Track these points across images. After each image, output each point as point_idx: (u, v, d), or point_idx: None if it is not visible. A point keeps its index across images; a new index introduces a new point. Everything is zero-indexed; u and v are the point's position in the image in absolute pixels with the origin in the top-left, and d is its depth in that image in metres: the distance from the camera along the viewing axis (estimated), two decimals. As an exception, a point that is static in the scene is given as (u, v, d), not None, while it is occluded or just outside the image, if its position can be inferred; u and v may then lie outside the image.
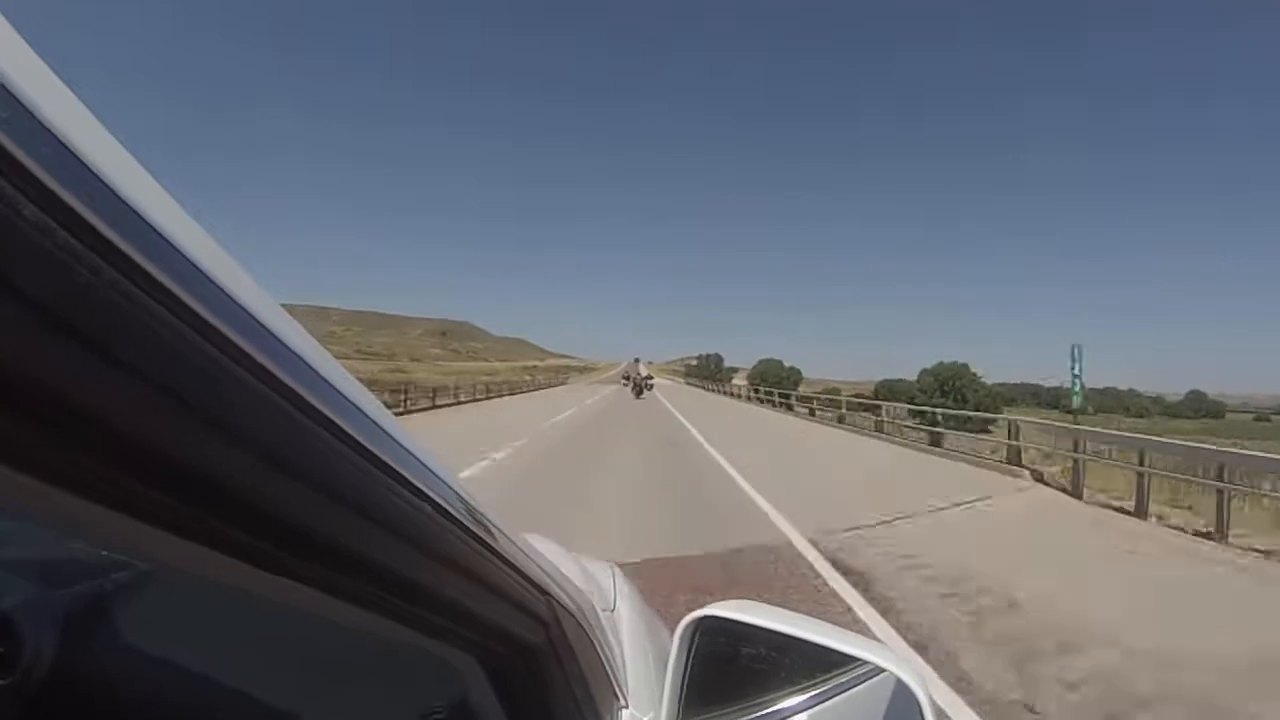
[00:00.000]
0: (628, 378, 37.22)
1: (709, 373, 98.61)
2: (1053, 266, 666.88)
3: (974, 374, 40.11)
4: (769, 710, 0.58)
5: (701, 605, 0.62)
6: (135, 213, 0.17)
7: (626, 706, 0.64)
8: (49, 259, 0.14)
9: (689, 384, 64.36)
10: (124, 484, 0.17)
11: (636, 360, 51.37)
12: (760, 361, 46.00)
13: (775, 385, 39.77)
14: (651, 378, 37.93)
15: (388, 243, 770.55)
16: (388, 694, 0.62)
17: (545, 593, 0.51)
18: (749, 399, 31.42)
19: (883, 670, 0.57)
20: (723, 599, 0.64)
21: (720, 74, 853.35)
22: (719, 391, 40.17)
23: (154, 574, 0.69)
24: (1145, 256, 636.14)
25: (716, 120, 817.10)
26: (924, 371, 41.07)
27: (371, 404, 0.29)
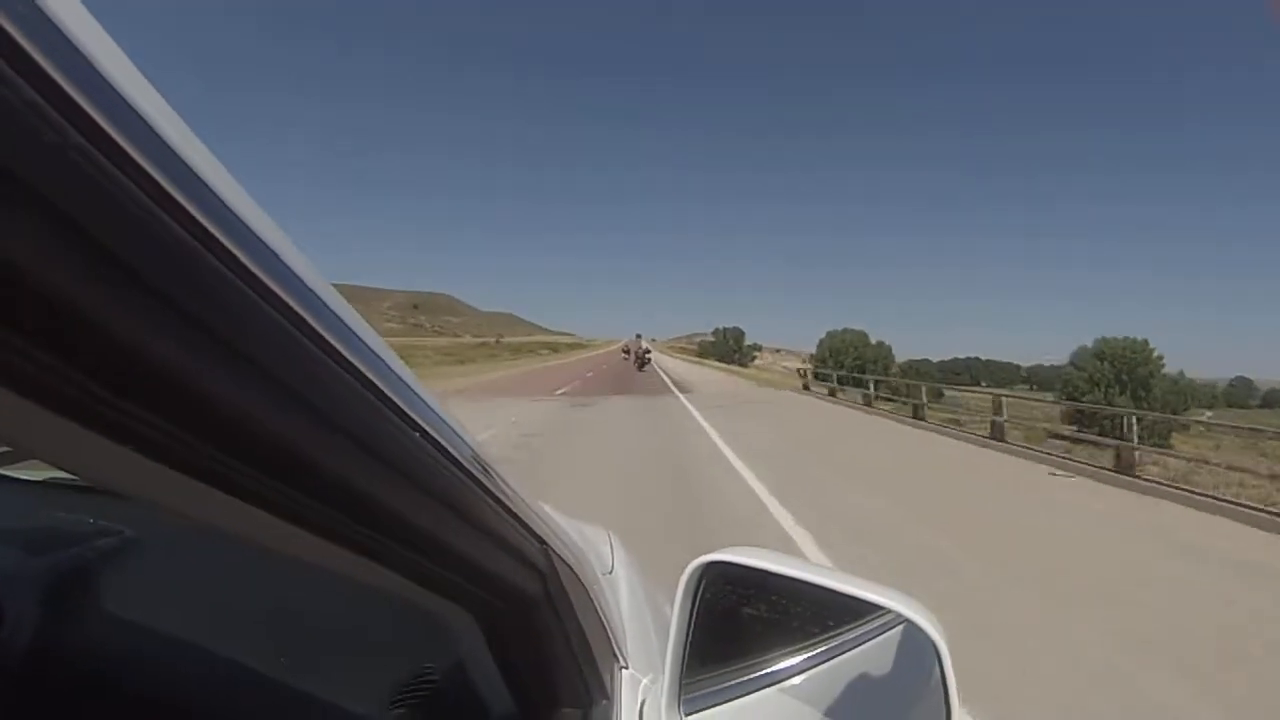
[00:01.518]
0: (628, 351, 38.84)
1: (726, 350, 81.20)
2: (1068, 250, 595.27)
3: (1156, 357, 23.73)
4: (778, 667, 0.56)
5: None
6: (152, 129, 0.17)
7: (626, 667, 0.62)
8: (81, 175, 0.15)
9: (703, 364, 48.31)
10: (125, 411, 0.17)
11: (638, 336, 45.12)
12: (832, 335, 27.63)
13: (856, 368, 23.36)
14: (649, 351, 37.32)
15: (377, 219, 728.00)
16: (379, 652, 0.61)
17: (543, 541, 0.49)
18: (806, 388, 20.02)
19: (899, 620, 0.55)
20: None
21: (723, 51, 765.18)
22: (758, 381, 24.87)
23: (140, 540, 0.69)
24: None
25: (725, 97, 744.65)
26: (1083, 351, 24.56)
27: (374, 337, 0.29)
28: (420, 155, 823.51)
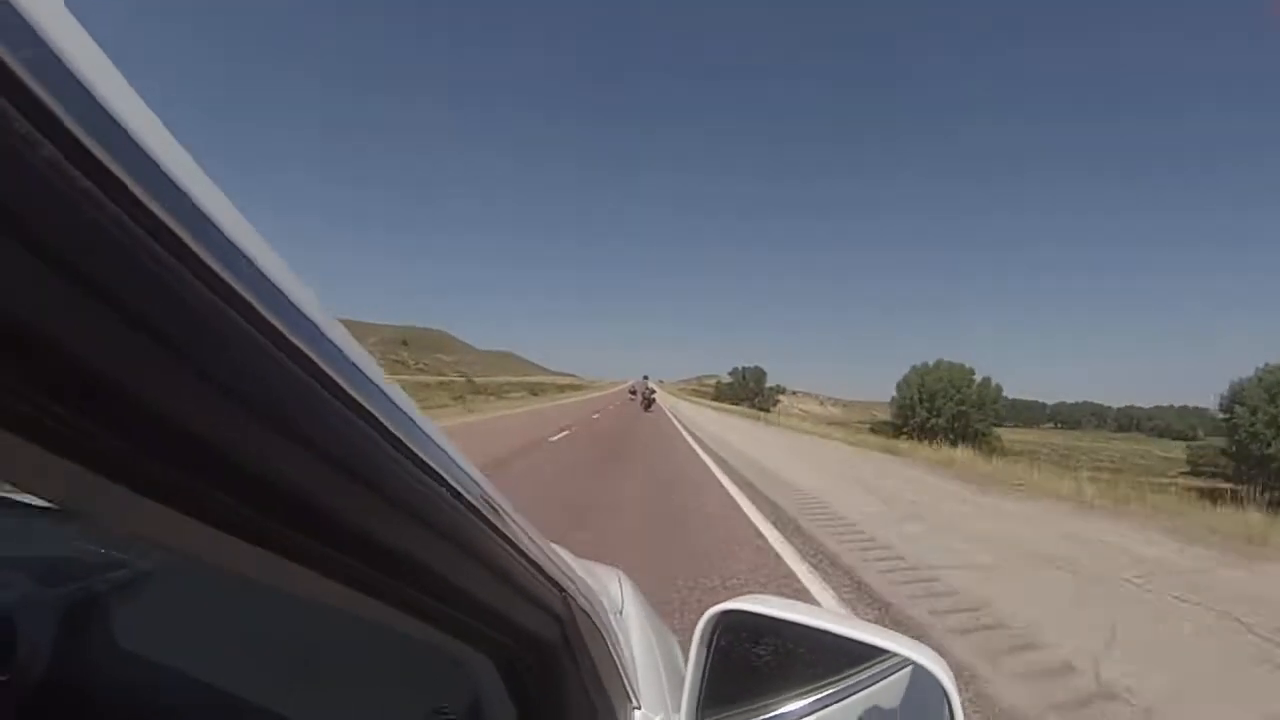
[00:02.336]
0: (634, 391, 39.98)
1: (745, 393, 72.97)
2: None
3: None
4: (793, 706, 0.58)
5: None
6: (163, 171, 0.17)
7: (639, 708, 0.64)
8: (75, 213, 0.14)
9: (723, 411, 41.83)
10: (143, 462, 0.17)
11: (645, 378, 43.01)
12: (922, 371, 19.01)
13: (951, 412, 15.62)
14: (654, 391, 37.00)
15: (377, 253, 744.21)
16: (394, 691, 0.63)
17: (561, 589, 0.51)
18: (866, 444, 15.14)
19: (908, 662, 0.57)
20: None
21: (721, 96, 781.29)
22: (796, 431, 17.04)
23: (152, 573, 0.70)
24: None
25: (729, 140, 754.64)
26: (1253, 388, 16.78)
27: (394, 389, 0.29)
28: (428, 190, 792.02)
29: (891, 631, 0.60)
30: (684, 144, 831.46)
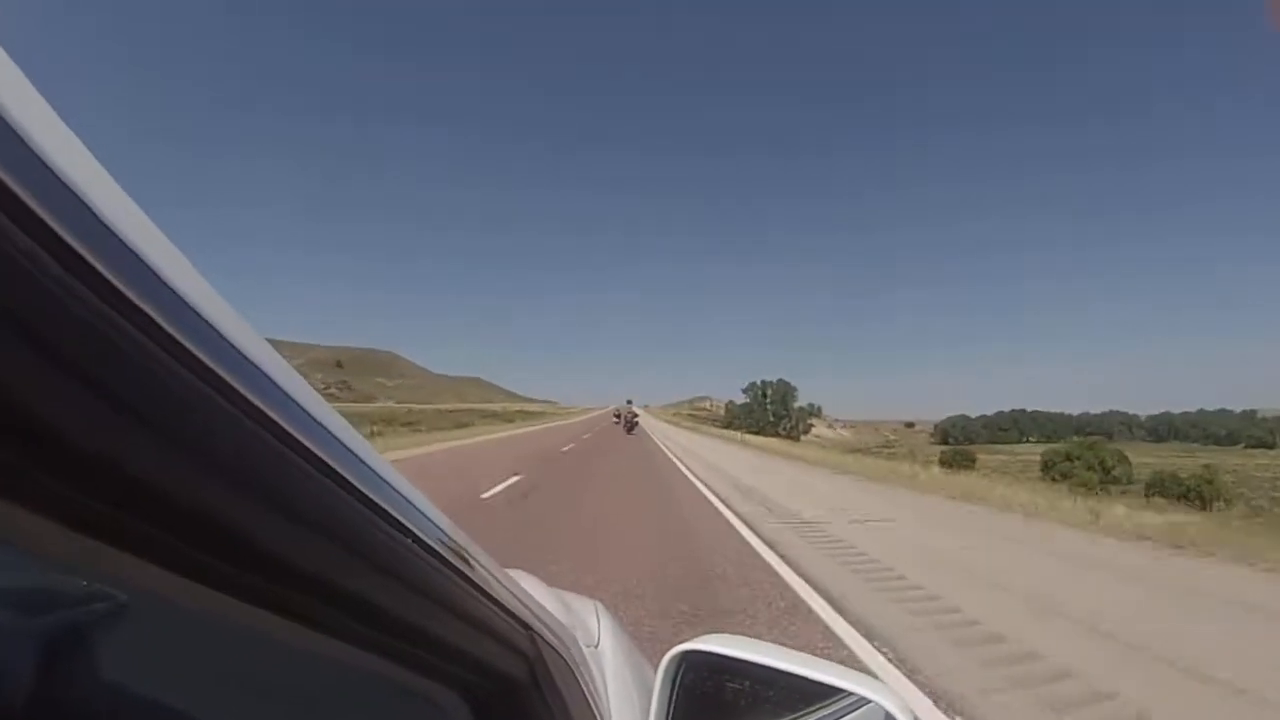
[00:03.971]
0: (619, 415, 40.43)
1: (763, 417, 57.71)
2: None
3: None
4: None
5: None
6: (120, 239, 0.18)
7: None
8: (22, 275, 0.15)
9: (751, 448, 27.48)
10: (104, 511, 0.18)
11: (629, 402, 45.99)
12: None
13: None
14: (637, 415, 38.15)
15: (324, 272, 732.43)
16: None
17: (527, 626, 0.53)
18: None
19: (865, 700, 0.60)
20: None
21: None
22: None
23: (132, 606, 0.67)
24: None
25: (707, 159, 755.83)
26: None
27: (352, 435, 0.30)
28: (385, 211, 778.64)
29: (853, 671, 0.62)
30: (675, 163, 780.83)
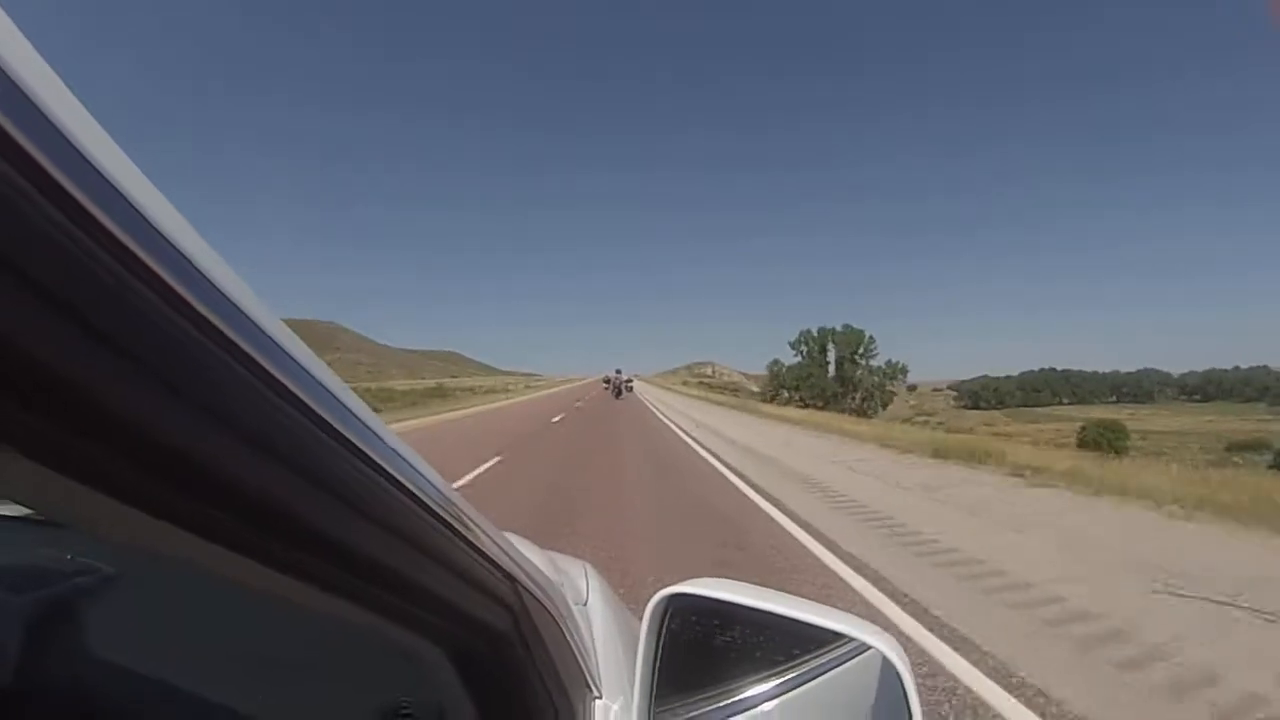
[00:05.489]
0: (608, 381, 40.26)
1: (832, 385, 41.97)
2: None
3: None
4: (748, 694, 0.60)
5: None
6: (133, 206, 0.19)
7: (600, 697, 0.66)
8: (58, 249, 0.16)
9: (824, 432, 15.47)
10: (99, 460, 0.19)
11: (618, 371, 40.34)
12: None
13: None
14: (631, 380, 37.53)
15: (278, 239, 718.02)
16: (354, 686, 0.64)
17: (510, 577, 0.53)
18: None
19: (864, 646, 0.59)
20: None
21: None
22: None
23: (118, 578, 0.72)
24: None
25: (699, 134, 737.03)
26: None
27: (340, 387, 0.31)
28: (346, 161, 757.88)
29: (847, 614, 0.61)
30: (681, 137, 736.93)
